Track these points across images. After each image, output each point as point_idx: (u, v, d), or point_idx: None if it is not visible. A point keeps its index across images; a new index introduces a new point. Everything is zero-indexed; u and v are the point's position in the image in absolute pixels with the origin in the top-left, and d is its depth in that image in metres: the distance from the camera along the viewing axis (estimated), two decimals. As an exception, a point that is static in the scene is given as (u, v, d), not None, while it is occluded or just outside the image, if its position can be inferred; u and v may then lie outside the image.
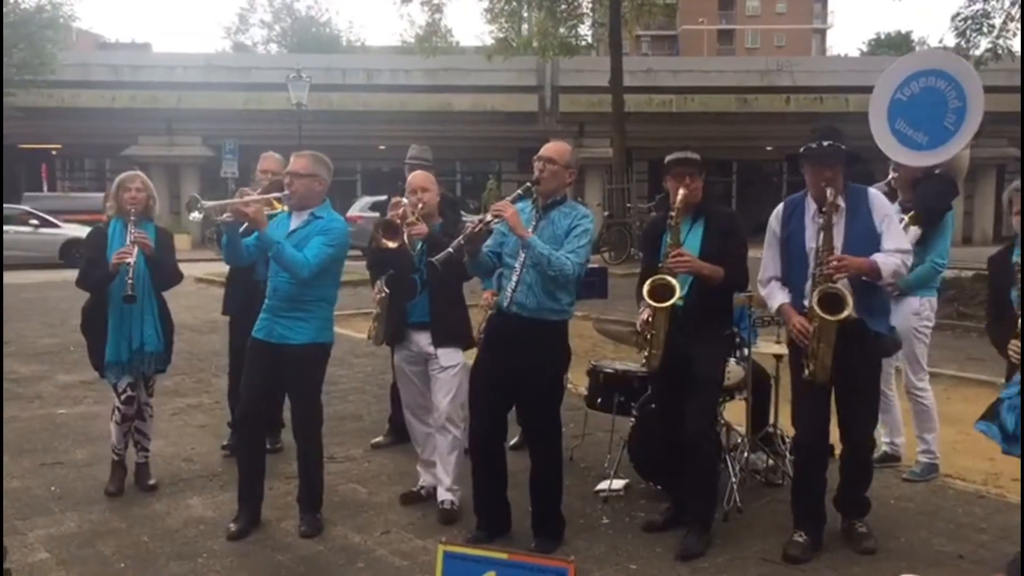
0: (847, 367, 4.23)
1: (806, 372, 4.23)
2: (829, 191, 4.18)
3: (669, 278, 4.31)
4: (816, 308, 4.10)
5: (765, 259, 4.55)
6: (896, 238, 4.27)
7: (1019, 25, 15.80)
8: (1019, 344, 3.87)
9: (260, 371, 4.64)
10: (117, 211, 5.23)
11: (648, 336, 4.42)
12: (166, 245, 5.32)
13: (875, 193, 4.42)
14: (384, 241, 4.41)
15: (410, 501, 5.09)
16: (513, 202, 4.27)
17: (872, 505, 4.56)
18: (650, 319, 4.39)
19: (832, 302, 4.08)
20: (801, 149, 4.32)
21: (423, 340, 4.87)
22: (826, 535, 4.41)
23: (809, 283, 4.25)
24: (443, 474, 4.92)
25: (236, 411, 4.91)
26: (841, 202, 4.24)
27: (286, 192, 4.68)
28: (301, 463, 4.81)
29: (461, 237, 4.20)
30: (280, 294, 4.59)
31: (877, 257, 4.17)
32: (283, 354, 4.60)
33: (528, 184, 4.33)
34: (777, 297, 4.45)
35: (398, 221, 4.53)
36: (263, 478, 4.83)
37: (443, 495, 4.91)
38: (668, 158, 4.52)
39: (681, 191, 4.40)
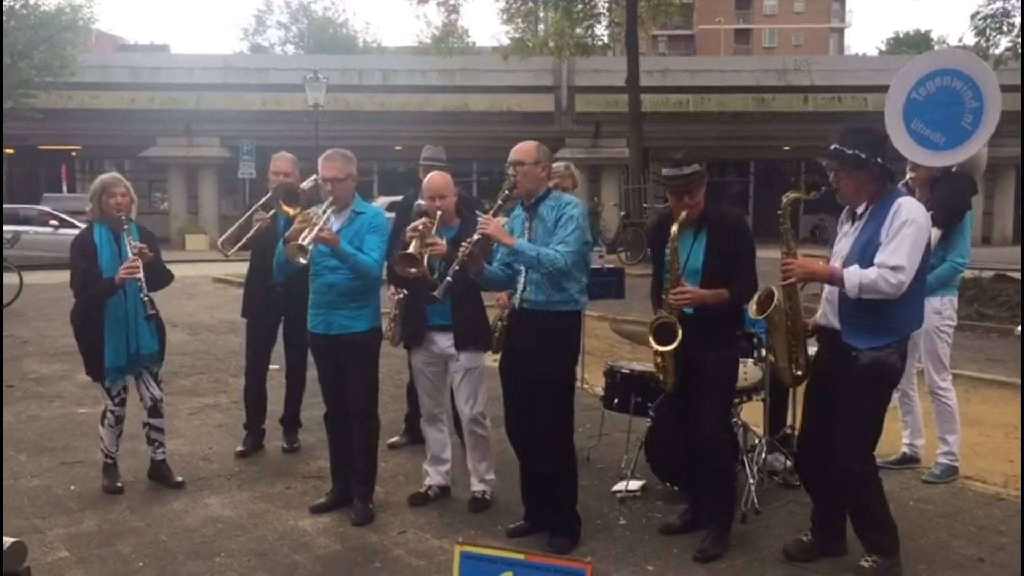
0: (828, 376, 4.10)
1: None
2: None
3: (672, 319, 4.28)
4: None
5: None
6: (889, 253, 3.81)
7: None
8: None
9: (329, 363, 4.85)
10: (100, 215, 5.10)
11: (659, 365, 4.48)
12: (153, 246, 5.17)
13: (903, 204, 3.91)
14: (407, 270, 4.44)
15: (418, 502, 5.09)
16: (496, 213, 4.36)
17: (890, 526, 4.11)
18: (659, 357, 4.45)
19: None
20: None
21: (444, 342, 4.90)
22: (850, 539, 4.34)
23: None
24: (475, 468, 5.03)
25: (325, 405, 4.98)
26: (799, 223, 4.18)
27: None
28: (359, 450, 4.87)
29: (456, 263, 4.25)
30: (337, 289, 4.72)
31: (848, 270, 3.85)
32: (343, 343, 4.75)
33: (507, 192, 4.42)
34: None
35: (418, 250, 4.48)
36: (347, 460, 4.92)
37: (476, 486, 5.03)
38: (664, 172, 4.38)
39: (684, 213, 4.31)
